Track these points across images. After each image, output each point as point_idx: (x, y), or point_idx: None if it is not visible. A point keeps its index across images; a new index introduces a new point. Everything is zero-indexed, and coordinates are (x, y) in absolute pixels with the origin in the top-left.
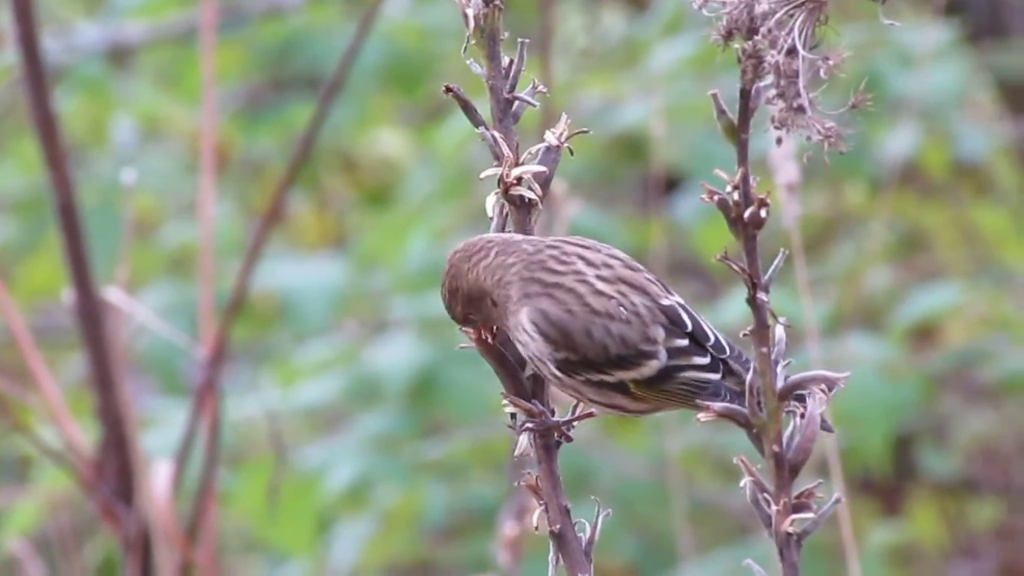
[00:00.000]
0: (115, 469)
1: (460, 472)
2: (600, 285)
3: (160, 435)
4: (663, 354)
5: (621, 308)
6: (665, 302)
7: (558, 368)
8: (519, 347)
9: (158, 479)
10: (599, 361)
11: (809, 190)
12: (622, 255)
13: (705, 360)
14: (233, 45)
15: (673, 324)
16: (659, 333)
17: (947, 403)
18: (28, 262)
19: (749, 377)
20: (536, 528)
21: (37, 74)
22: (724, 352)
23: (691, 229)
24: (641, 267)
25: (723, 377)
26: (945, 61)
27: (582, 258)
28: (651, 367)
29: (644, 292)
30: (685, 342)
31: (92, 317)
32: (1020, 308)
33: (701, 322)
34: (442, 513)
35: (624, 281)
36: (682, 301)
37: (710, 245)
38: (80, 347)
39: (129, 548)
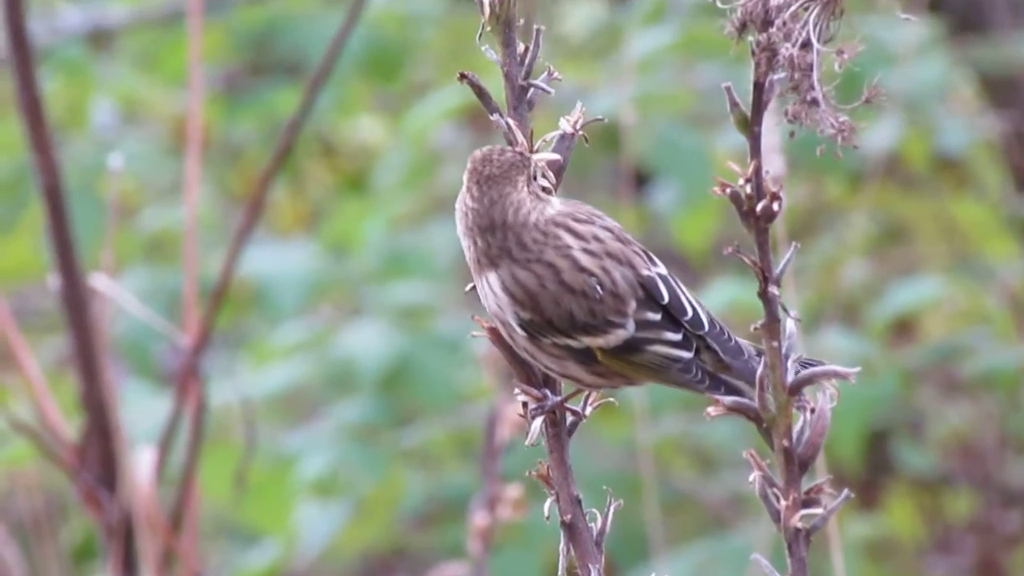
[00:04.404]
0: (97, 454)
1: (435, 460)
2: (584, 260)
3: (140, 420)
4: (631, 325)
5: (598, 288)
6: (645, 273)
7: (521, 327)
8: (483, 299)
9: (141, 465)
10: (564, 326)
11: (791, 182)
12: (614, 225)
13: (677, 336)
14: (214, 29)
15: (649, 297)
16: (631, 305)
17: (924, 397)
18: (4, 244)
19: (759, 371)
20: (547, 518)
21: (24, 59)
22: (701, 328)
23: (669, 218)
24: (631, 239)
25: (698, 353)
26: (927, 56)
27: (570, 230)
28: (618, 336)
29: (629, 265)
30: (657, 316)
31: (77, 302)
32: (1000, 302)
33: (680, 295)
34: (418, 501)
35: (611, 255)
36: (665, 272)
37: (689, 235)
38: (59, 331)
39: (111, 534)
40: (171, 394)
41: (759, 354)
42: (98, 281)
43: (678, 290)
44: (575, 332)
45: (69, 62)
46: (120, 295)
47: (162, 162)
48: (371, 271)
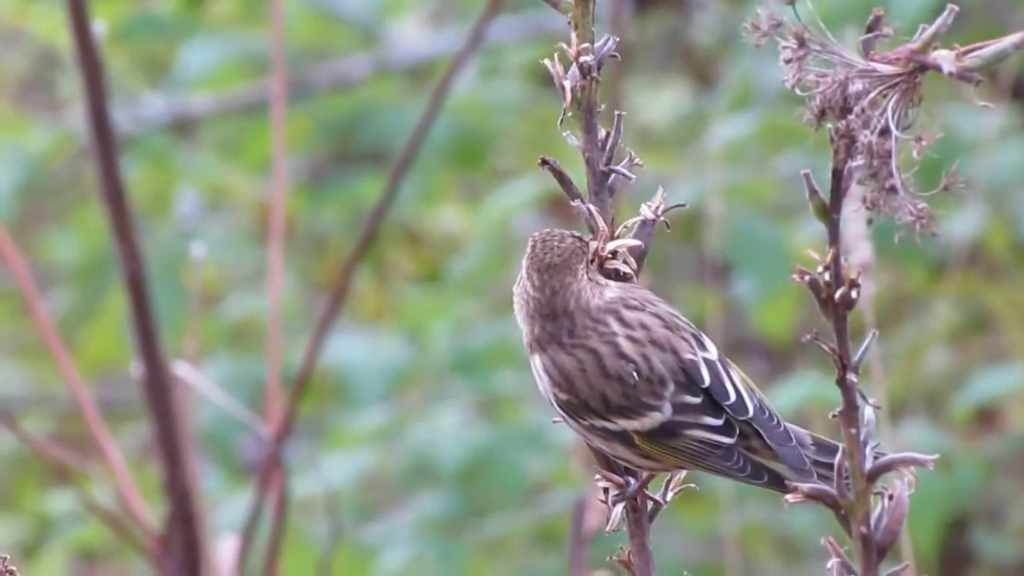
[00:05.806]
0: (181, 543)
1: (516, 549)
2: (625, 347)
3: (222, 510)
4: (668, 408)
5: (634, 374)
6: (687, 356)
7: (561, 408)
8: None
9: (224, 555)
10: (598, 408)
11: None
12: (665, 312)
13: (717, 421)
14: (298, 117)
15: (689, 380)
16: (669, 388)
17: (1006, 485)
18: (85, 331)
19: (838, 457)
20: None
21: (107, 148)
22: (744, 413)
23: (750, 307)
24: (682, 324)
25: (745, 439)
26: (1008, 144)
27: (618, 317)
28: (653, 419)
29: (672, 351)
30: (697, 399)
31: (161, 391)
32: None
33: (725, 379)
34: None
35: (655, 343)
36: (714, 357)
37: (769, 323)
38: (141, 418)
39: None
40: (253, 483)
41: (815, 443)
42: (181, 369)
43: (723, 375)
44: (610, 414)
45: (152, 151)
46: (203, 384)
47: (244, 250)
48: (448, 362)
